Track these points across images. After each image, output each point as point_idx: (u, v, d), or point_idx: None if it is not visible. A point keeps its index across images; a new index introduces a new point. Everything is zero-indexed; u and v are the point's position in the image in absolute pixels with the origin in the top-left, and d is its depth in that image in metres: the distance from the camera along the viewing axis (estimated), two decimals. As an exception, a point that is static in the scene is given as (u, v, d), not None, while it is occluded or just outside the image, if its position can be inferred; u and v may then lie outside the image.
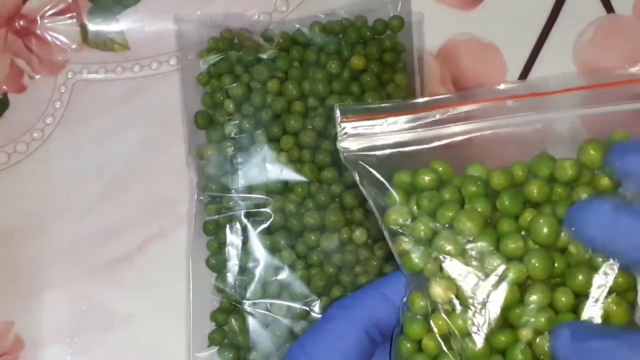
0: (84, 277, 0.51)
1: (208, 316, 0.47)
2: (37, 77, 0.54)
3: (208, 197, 0.48)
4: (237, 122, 0.47)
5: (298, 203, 0.46)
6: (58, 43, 0.54)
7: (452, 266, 0.33)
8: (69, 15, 0.54)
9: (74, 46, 0.54)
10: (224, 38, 0.49)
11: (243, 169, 0.47)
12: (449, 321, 0.33)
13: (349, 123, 0.36)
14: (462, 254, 0.33)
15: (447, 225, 0.34)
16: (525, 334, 0.33)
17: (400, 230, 0.35)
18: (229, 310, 0.46)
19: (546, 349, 0.32)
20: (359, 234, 0.46)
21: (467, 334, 0.33)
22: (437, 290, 0.33)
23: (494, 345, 0.33)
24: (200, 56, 0.49)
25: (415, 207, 0.35)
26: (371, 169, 0.36)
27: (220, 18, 0.50)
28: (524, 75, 0.53)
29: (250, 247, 0.46)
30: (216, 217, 0.47)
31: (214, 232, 0.47)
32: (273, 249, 0.46)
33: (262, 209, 0.46)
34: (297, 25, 0.49)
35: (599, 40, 0.53)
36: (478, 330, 0.33)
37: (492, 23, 0.53)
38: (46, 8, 0.54)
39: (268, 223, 0.46)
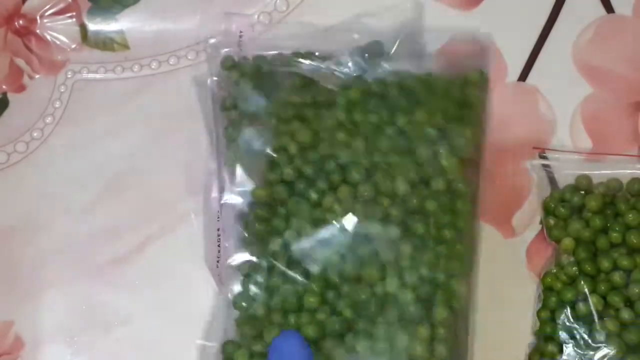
0: (84, 277, 0.51)
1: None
2: (37, 76, 0.54)
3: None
4: (296, 164, 0.46)
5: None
6: (58, 43, 0.54)
7: None
8: (68, 14, 0.54)
9: (73, 46, 0.54)
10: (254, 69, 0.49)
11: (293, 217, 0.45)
12: None
13: None
14: None
15: None
16: None
17: None
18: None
19: None
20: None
21: None
22: None
23: None
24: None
25: None
26: None
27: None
28: (524, 75, 0.53)
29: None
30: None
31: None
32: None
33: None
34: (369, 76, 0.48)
35: (599, 40, 0.53)
36: None
37: (492, 23, 0.53)
38: (46, 7, 0.54)
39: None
